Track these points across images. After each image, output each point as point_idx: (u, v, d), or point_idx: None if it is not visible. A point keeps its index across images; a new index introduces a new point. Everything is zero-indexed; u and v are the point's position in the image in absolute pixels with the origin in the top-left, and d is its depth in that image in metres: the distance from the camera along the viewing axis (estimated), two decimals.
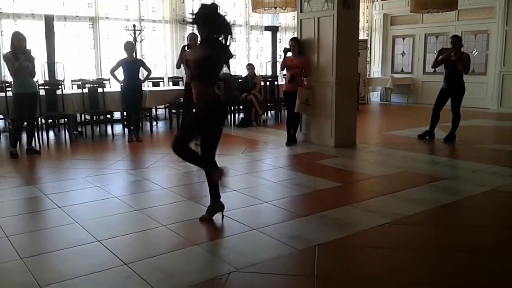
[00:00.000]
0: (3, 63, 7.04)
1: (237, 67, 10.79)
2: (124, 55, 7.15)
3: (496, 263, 2.95)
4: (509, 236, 3.47)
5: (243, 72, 10.39)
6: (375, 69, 13.73)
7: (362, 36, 12.52)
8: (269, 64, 11.63)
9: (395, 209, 3.90)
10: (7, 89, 6.80)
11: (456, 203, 4.16)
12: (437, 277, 2.73)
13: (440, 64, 7.11)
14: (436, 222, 3.77)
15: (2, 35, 8.01)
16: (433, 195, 4.36)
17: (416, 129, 7.80)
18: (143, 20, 9.51)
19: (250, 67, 9.31)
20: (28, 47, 6.02)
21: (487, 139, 7.56)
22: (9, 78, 6.83)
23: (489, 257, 3.04)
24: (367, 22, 13.39)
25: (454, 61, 6.84)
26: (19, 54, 5.88)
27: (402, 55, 13.24)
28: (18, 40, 5.89)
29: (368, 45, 13.24)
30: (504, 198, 4.32)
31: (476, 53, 11.31)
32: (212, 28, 3.47)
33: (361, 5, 10.15)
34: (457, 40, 6.97)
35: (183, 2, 9.91)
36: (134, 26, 8.86)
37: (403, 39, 13.14)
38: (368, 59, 13.27)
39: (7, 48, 6.52)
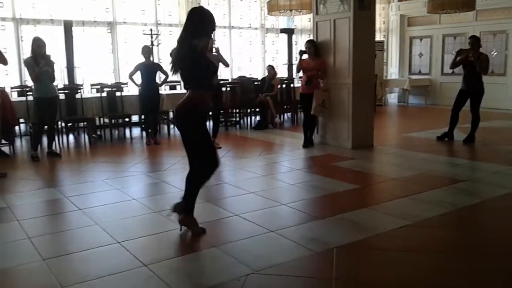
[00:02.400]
0: (24, 68, 7.18)
1: (253, 70, 10.84)
2: (141, 59, 7.24)
3: None
4: None
5: (259, 75, 10.43)
6: (392, 71, 13.62)
7: (378, 37, 12.44)
8: (285, 67, 11.63)
9: (414, 212, 3.86)
10: (28, 93, 6.94)
11: (476, 205, 4.10)
12: (458, 281, 2.70)
13: (459, 65, 7.03)
14: (456, 224, 3.72)
15: (22, 40, 8.17)
16: (453, 197, 4.30)
17: (434, 130, 7.71)
18: (160, 24, 9.60)
19: (270, 68, 9.30)
20: (47, 52, 6.13)
21: (507, 141, 7.42)
22: (30, 83, 6.96)
23: (510, 260, 2.99)
24: (384, 23, 13.30)
25: (472, 62, 6.76)
26: (39, 59, 5.99)
27: (420, 56, 13.11)
28: (38, 45, 6.01)
29: (385, 47, 13.15)
30: None
31: (495, 53, 11.14)
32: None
33: (378, 6, 10.06)
34: (475, 41, 6.88)
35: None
36: (151, 30, 8.95)
37: (421, 40, 13.01)
38: (385, 61, 13.17)
39: (27, 54, 6.66)
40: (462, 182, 4.81)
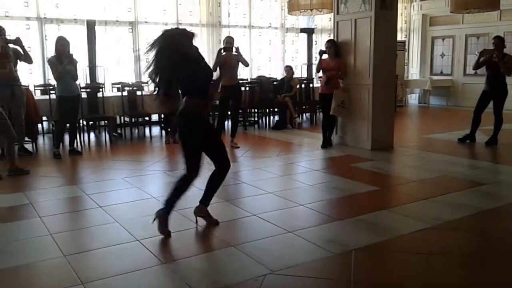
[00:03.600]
0: (47, 67, 7.30)
1: (272, 70, 10.83)
2: None
3: None
4: None
5: (278, 75, 10.41)
6: (414, 71, 13.44)
7: (400, 37, 12.28)
8: (305, 67, 11.59)
9: (435, 214, 3.81)
10: (51, 92, 7.06)
11: (499, 209, 4.03)
12: (476, 283, 2.65)
13: (482, 66, 6.91)
14: (478, 228, 3.66)
15: (46, 39, 8.31)
16: (474, 200, 4.23)
17: (456, 132, 7.59)
18: (181, 24, 9.65)
19: (288, 69, 9.30)
20: (70, 51, 6.23)
21: None
22: (53, 81, 7.08)
23: None
24: (406, 23, 13.13)
25: (496, 63, 6.64)
26: (62, 58, 6.09)
27: (442, 57, 12.92)
28: (61, 44, 6.11)
29: (406, 47, 12.99)
30: None
31: None
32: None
33: (399, 5, 9.93)
34: (499, 41, 6.76)
35: (219, 6, 10.02)
36: None
37: (443, 40, 12.82)
38: (406, 61, 13.02)
39: (50, 53, 6.78)
40: (484, 185, 4.73)
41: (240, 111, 7.83)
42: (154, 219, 3.43)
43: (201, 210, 3.62)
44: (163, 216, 3.42)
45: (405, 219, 3.76)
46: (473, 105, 7.15)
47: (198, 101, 3.36)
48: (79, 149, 6.73)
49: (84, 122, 7.46)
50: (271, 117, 9.45)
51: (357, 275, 2.77)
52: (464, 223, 3.68)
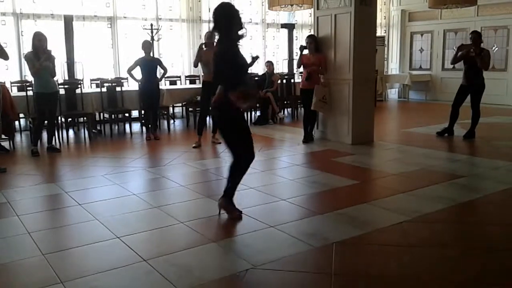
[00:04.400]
0: (24, 63, 7.17)
1: (253, 65, 10.80)
2: (141, 54, 7.22)
3: None
4: None
5: (260, 70, 10.41)
6: (393, 66, 13.60)
7: (379, 32, 12.41)
8: (286, 62, 11.61)
9: (413, 207, 3.87)
10: (28, 88, 6.93)
11: (476, 201, 4.11)
12: (455, 275, 2.70)
13: (460, 61, 7.01)
14: (456, 220, 3.73)
15: (22, 35, 8.16)
16: (452, 193, 4.30)
17: (434, 126, 7.71)
18: (160, 19, 9.58)
19: (269, 64, 9.30)
20: (48, 47, 6.12)
21: (507, 136, 7.42)
22: (30, 78, 6.95)
23: (508, 255, 3.00)
24: (385, 19, 13.26)
25: (473, 57, 6.74)
26: (40, 54, 5.98)
27: (421, 52, 13.09)
28: (39, 40, 5.99)
29: (386, 42, 13.12)
30: None
31: (496, 49, 11.12)
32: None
33: (379, 1, 10.03)
34: (476, 36, 6.87)
35: (199, 1, 9.96)
36: (151, 25, 8.94)
37: (421, 35, 12.99)
38: (385, 56, 13.15)
39: (27, 48, 6.65)
40: (461, 177, 4.81)
41: None
42: (219, 213, 3.65)
43: (228, 201, 3.69)
44: (226, 205, 3.63)
45: (384, 212, 3.80)
46: (451, 99, 7.27)
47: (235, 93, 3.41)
48: (58, 146, 6.63)
49: (63, 119, 7.36)
50: (253, 113, 9.44)
51: (338, 268, 2.79)
52: (443, 215, 3.74)
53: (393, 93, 13.64)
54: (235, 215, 3.65)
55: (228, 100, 3.39)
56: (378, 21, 11.95)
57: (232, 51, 3.49)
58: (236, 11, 3.49)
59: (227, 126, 3.55)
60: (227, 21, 3.43)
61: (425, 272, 2.76)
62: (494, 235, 3.37)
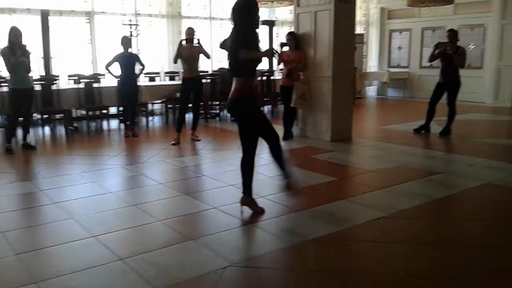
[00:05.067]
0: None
1: (270, 58, 10.75)
2: (120, 50, 7.13)
3: (491, 256, 2.97)
4: (504, 229, 3.48)
5: None
6: (372, 63, 13.71)
7: (359, 30, 12.49)
8: (265, 59, 11.57)
9: (391, 203, 3.91)
10: (3, 84, 6.78)
11: (451, 197, 4.17)
12: (432, 270, 2.75)
13: (437, 58, 7.11)
14: (431, 215, 3.78)
15: None
16: (429, 189, 4.37)
17: (412, 123, 7.81)
18: (139, 14, 9.47)
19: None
20: (23, 42, 5.99)
21: (483, 133, 7.57)
22: (5, 74, 6.80)
23: (484, 250, 3.06)
24: (364, 16, 13.36)
25: (450, 55, 6.84)
26: (15, 49, 5.86)
27: (399, 49, 13.22)
28: (15, 35, 5.87)
29: (365, 39, 13.21)
30: (499, 192, 4.34)
31: (473, 47, 11.31)
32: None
33: None
34: (453, 34, 6.96)
35: None
36: (130, 20, 8.83)
37: (400, 33, 13.12)
38: (364, 53, 13.25)
39: (2, 43, 6.49)
40: (438, 174, 4.89)
41: (201, 103, 7.77)
42: (242, 210, 3.70)
43: (290, 185, 3.76)
44: (247, 201, 3.70)
45: (362, 209, 3.84)
46: (428, 96, 7.36)
47: (250, 82, 3.59)
48: (33, 143, 6.51)
49: (38, 116, 7.23)
50: None
51: (316, 265, 2.81)
52: (419, 211, 3.80)
53: (371, 91, 13.76)
54: (258, 210, 3.73)
55: (245, 92, 3.53)
56: (358, 18, 12.00)
57: (250, 33, 3.67)
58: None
59: (247, 118, 3.63)
60: (248, 9, 3.64)
61: (401, 268, 2.80)
62: (469, 231, 3.43)
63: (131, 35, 8.48)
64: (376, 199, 4.06)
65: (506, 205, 4.05)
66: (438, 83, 7.14)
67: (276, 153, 3.73)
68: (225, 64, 10.64)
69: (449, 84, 6.98)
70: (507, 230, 3.47)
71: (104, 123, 7.99)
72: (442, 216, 3.76)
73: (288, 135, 6.89)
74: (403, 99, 12.74)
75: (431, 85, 7.50)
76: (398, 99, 12.80)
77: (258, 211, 3.72)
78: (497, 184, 4.52)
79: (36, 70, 8.06)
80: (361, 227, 3.45)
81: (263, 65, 5.33)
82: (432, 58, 7.19)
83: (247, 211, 3.75)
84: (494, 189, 4.40)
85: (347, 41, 6.68)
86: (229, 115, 9.10)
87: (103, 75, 8.34)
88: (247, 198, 3.74)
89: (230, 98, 3.63)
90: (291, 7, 8.86)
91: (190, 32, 6.55)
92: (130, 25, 8.74)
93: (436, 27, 12.12)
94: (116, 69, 7.16)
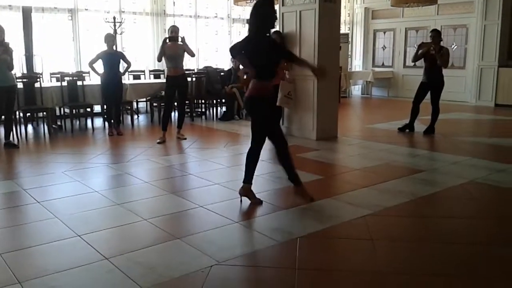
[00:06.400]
0: None
1: (219, 60, 10.76)
2: (104, 47, 7.05)
3: (473, 253, 3.01)
4: (486, 226, 3.54)
5: (226, 66, 10.36)
6: (357, 63, 13.82)
7: (343, 29, 12.59)
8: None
9: (376, 201, 3.95)
10: None
11: (435, 195, 4.23)
12: (417, 267, 2.78)
13: (420, 58, 7.18)
14: (416, 213, 3.82)
15: None
16: (413, 187, 4.42)
17: (396, 122, 7.89)
18: (124, 12, 9.39)
19: (235, 60, 9.24)
20: (5, 40, 5.89)
21: (466, 132, 7.68)
22: None
23: (466, 247, 3.10)
24: (349, 16, 13.45)
25: (433, 55, 6.92)
26: None
27: (383, 49, 13.34)
28: None
29: (350, 39, 13.31)
30: (481, 190, 4.40)
31: (456, 47, 11.47)
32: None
33: None
34: (436, 34, 7.05)
35: None
36: (114, 18, 8.74)
37: (384, 33, 13.24)
38: (349, 53, 13.35)
39: None
40: (421, 172, 4.95)
41: (187, 102, 7.74)
42: (241, 200, 3.86)
43: (297, 189, 3.95)
44: (247, 191, 3.86)
45: (348, 206, 3.86)
46: (412, 96, 7.44)
47: (265, 84, 3.76)
48: (16, 142, 6.41)
49: (21, 114, 7.11)
50: (218, 108, 9.40)
51: (302, 262, 2.82)
52: (404, 209, 3.84)
53: (356, 90, 13.86)
54: (256, 201, 3.89)
55: (264, 93, 3.73)
56: (342, 18, 12.11)
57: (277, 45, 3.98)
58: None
59: (262, 114, 3.80)
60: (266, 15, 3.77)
61: (386, 265, 2.82)
62: (453, 228, 3.47)
63: (115, 33, 8.40)
64: (361, 197, 4.09)
65: (489, 203, 4.12)
66: (422, 82, 7.22)
67: (284, 160, 3.94)
68: (211, 63, 10.66)
69: (432, 83, 7.07)
70: (490, 227, 3.53)
71: (88, 122, 7.89)
72: (426, 213, 3.81)
73: None
74: (388, 98, 12.86)
75: (415, 84, 7.59)
76: (382, 98, 12.92)
77: (256, 202, 3.86)
78: (479, 182, 4.59)
79: (19, 68, 7.94)
80: (348, 224, 3.47)
81: None
82: (415, 58, 7.26)
83: (236, 206, 3.76)
84: (477, 186, 4.47)
85: (332, 40, 6.72)
86: (214, 114, 9.11)
87: (87, 73, 8.26)
88: (247, 188, 3.88)
89: (248, 97, 3.84)
90: (276, 6, 8.84)
91: (174, 30, 6.51)
92: (114, 22, 8.65)
93: (420, 27, 12.26)
94: (100, 66, 7.08)
